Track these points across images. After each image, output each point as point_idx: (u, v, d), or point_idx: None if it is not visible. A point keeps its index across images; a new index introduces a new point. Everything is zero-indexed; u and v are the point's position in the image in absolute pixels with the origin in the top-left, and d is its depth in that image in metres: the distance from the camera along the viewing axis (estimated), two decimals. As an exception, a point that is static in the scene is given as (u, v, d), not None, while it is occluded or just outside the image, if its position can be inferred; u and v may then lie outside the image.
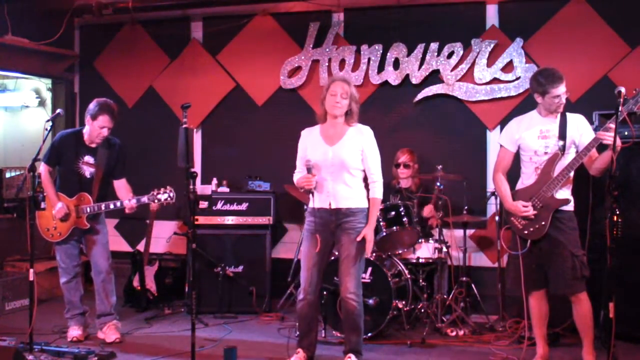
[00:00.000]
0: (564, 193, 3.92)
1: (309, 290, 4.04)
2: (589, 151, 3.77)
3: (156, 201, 4.45)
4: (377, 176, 4.04)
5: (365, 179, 4.09)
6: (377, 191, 4.03)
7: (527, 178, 4.02)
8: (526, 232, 3.96)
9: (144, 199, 4.48)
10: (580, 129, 3.91)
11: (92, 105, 4.61)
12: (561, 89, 3.84)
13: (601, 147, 3.77)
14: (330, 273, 4.37)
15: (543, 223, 3.89)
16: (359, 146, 4.01)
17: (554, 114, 3.94)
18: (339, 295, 4.12)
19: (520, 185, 4.08)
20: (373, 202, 4.03)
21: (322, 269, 4.09)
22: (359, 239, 3.94)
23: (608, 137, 3.57)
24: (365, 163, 4.04)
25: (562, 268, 3.86)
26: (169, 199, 4.45)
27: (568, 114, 3.95)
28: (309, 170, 3.98)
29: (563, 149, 3.88)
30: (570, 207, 3.94)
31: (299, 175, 4.13)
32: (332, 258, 4.30)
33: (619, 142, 3.56)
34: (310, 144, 4.09)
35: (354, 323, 4.01)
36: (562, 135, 3.89)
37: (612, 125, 3.52)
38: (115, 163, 4.74)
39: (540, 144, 3.94)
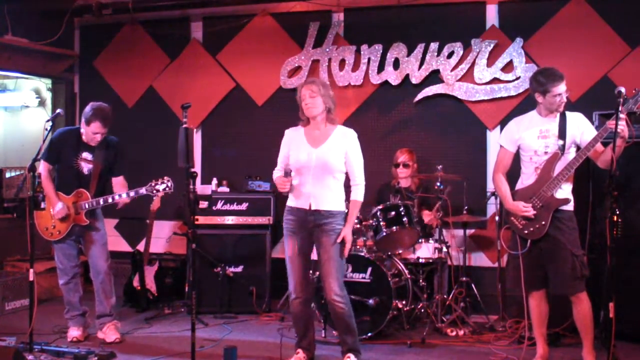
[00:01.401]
0: (564, 193, 3.91)
1: (299, 288, 4.05)
2: (592, 147, 3.75)
3: (154, 192, 4.45)
4: (360, 179, 4.04)
5: (347, 182, 4.10)
6: (359, 194, 4.03)
7: (527, 178, 4.02)
8: (526, 232, 3.96)
9: (142, 190, 4.49)
10: (581, 127, 3.90)
11: (87, 110, 4.58)
12: (562, 88, 3.84)
13: (606, 144, 3.75)
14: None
15: (543, 223, 3.88)
16: (343, 149, 4.01)
17: (554, 114, 3.94)
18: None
19: (520, 185, 4.07)
20: (354, 203, 4.03)
21: (307, 267, 4.12)
22: (339, 240, 3.94)
23: (620, 124, 3.53)
24: (348, 166, 4.03)
25: (562, 268, 3.85)
26: (167, 188, 4.46)
27: (567, 113, 3.95)
28: (286, 173, 3.98)
29: (563, 149, 3.87)
30: (570, 206, 3.93)
31: (278, 174, 4.15)
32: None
33: (619, 141, 3.56)
34: (295, 145, 4.09)
35: (346, 324, 4.02)
36: (562, 134, 3.89)
37: (622, 115, 3.51)
38: (113, 161, 4.74)
39: (540, 144, 3.94)
